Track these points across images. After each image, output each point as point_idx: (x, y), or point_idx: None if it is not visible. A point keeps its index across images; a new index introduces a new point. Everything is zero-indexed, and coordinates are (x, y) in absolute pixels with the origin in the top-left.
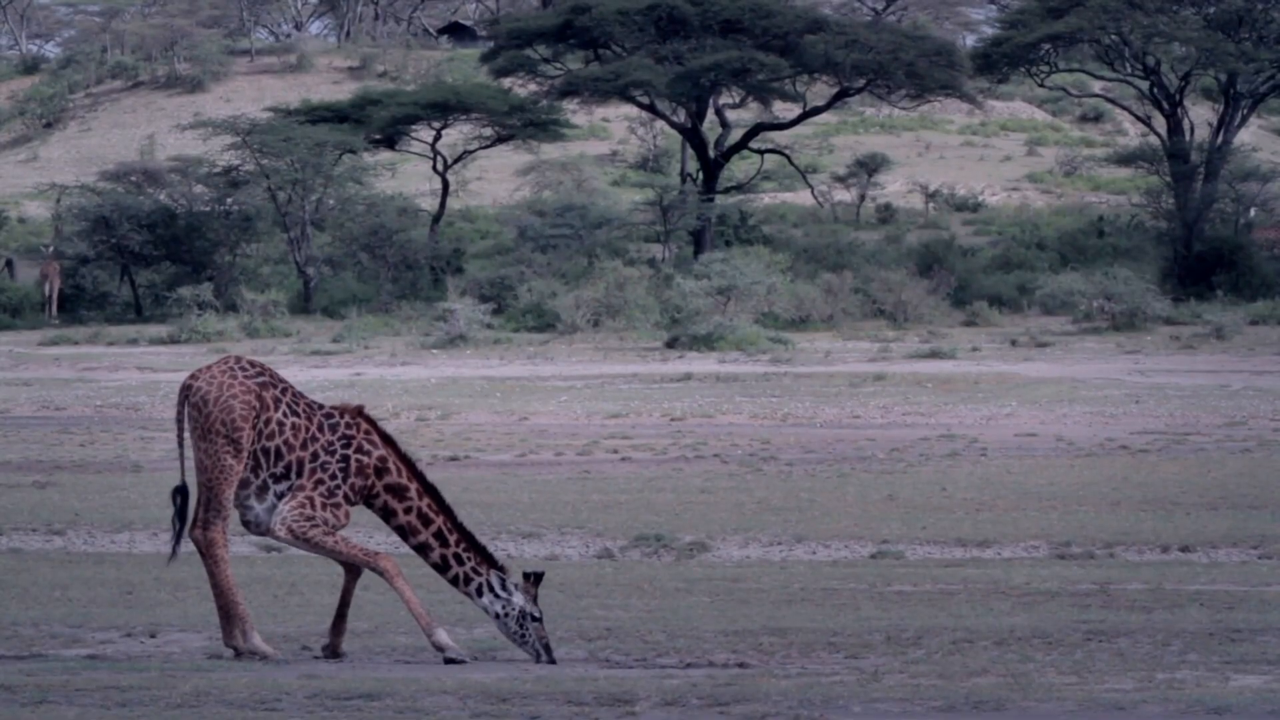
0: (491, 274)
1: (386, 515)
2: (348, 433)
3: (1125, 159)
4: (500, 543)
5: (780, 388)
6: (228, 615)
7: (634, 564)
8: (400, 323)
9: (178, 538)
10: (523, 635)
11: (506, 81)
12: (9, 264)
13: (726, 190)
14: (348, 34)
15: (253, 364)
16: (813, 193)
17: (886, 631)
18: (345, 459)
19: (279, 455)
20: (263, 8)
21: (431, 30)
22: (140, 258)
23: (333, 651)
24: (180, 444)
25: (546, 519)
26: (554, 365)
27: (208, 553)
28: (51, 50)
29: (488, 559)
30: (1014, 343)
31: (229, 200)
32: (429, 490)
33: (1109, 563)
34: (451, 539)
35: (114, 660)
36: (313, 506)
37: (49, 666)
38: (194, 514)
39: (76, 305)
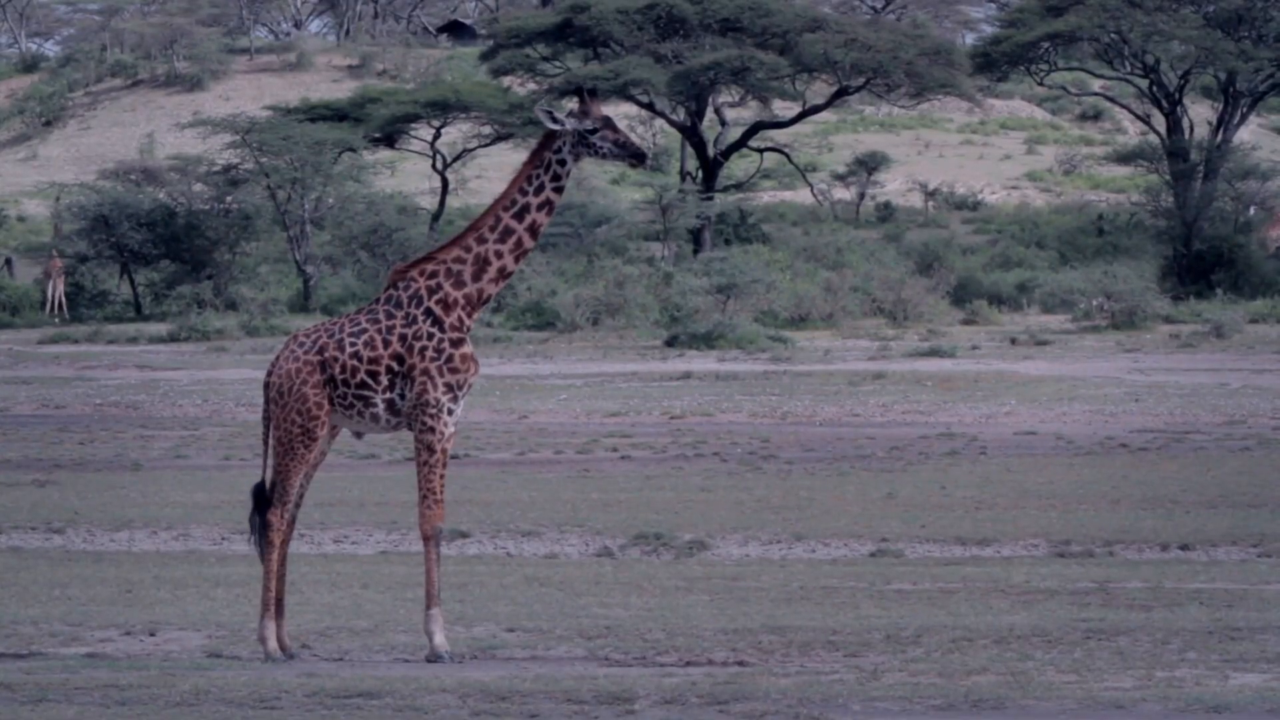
0: None
1: (501, 277)
2: (408, 293)
3: (1125, 157)
4: (500, 541)
5: (780, 386)
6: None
7: (633, 562)
8: None
9: (257, 533)
10: (599, 149)
11: (506, 80)
12: (8, 262)
13: (726, 189)
14: (347, 32)
15: (307, 335)
16: (812, 191)
17: (886, 630)
18: (429, 313)
19: (374, 376)
20: (262, 6)
21: (431, 29)
22: (140, 256)
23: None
24: (265, 442)
25: (546, 517)
26: (553, 364)
27: (263, 531)
28: (51, 49)
29: (535, 163)
30: (1013, 341)
31: (228, 199)
32: (470, 230)
33: (1108, 561)
34: (514, 201)
35: (113, 659)
36: (434, 385)
37: (48, 665)
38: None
39: (76, 304)
